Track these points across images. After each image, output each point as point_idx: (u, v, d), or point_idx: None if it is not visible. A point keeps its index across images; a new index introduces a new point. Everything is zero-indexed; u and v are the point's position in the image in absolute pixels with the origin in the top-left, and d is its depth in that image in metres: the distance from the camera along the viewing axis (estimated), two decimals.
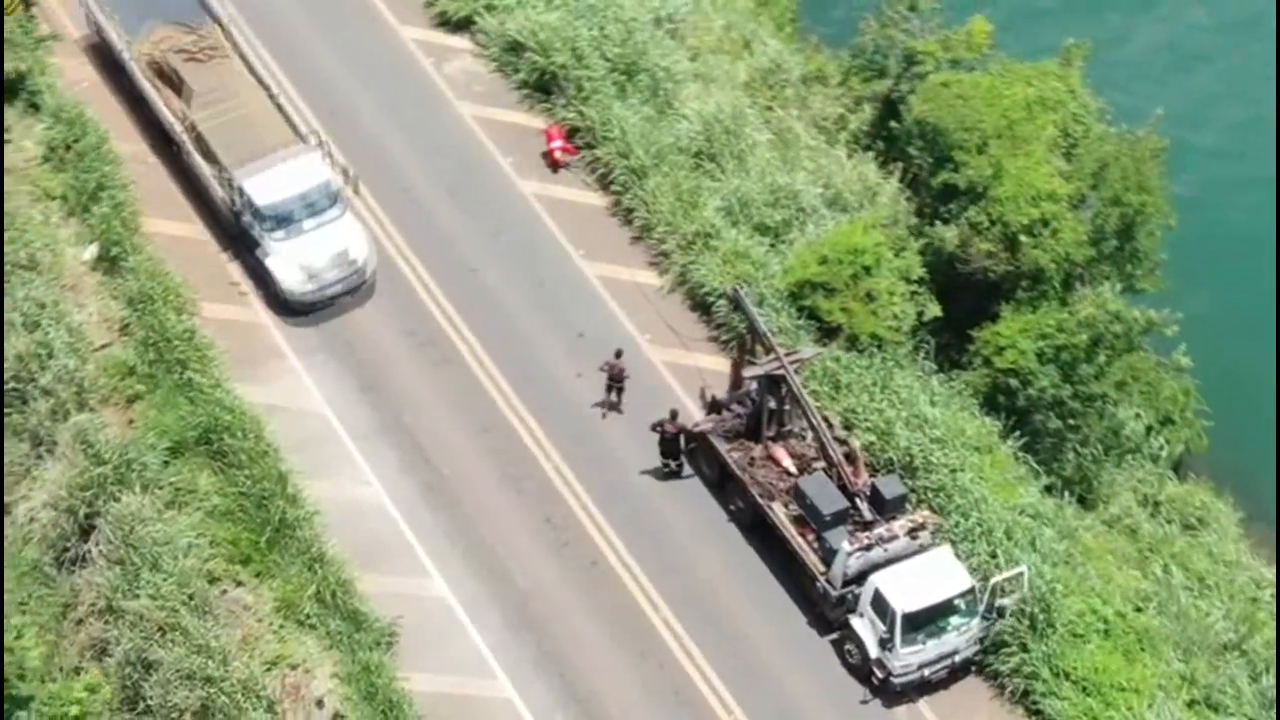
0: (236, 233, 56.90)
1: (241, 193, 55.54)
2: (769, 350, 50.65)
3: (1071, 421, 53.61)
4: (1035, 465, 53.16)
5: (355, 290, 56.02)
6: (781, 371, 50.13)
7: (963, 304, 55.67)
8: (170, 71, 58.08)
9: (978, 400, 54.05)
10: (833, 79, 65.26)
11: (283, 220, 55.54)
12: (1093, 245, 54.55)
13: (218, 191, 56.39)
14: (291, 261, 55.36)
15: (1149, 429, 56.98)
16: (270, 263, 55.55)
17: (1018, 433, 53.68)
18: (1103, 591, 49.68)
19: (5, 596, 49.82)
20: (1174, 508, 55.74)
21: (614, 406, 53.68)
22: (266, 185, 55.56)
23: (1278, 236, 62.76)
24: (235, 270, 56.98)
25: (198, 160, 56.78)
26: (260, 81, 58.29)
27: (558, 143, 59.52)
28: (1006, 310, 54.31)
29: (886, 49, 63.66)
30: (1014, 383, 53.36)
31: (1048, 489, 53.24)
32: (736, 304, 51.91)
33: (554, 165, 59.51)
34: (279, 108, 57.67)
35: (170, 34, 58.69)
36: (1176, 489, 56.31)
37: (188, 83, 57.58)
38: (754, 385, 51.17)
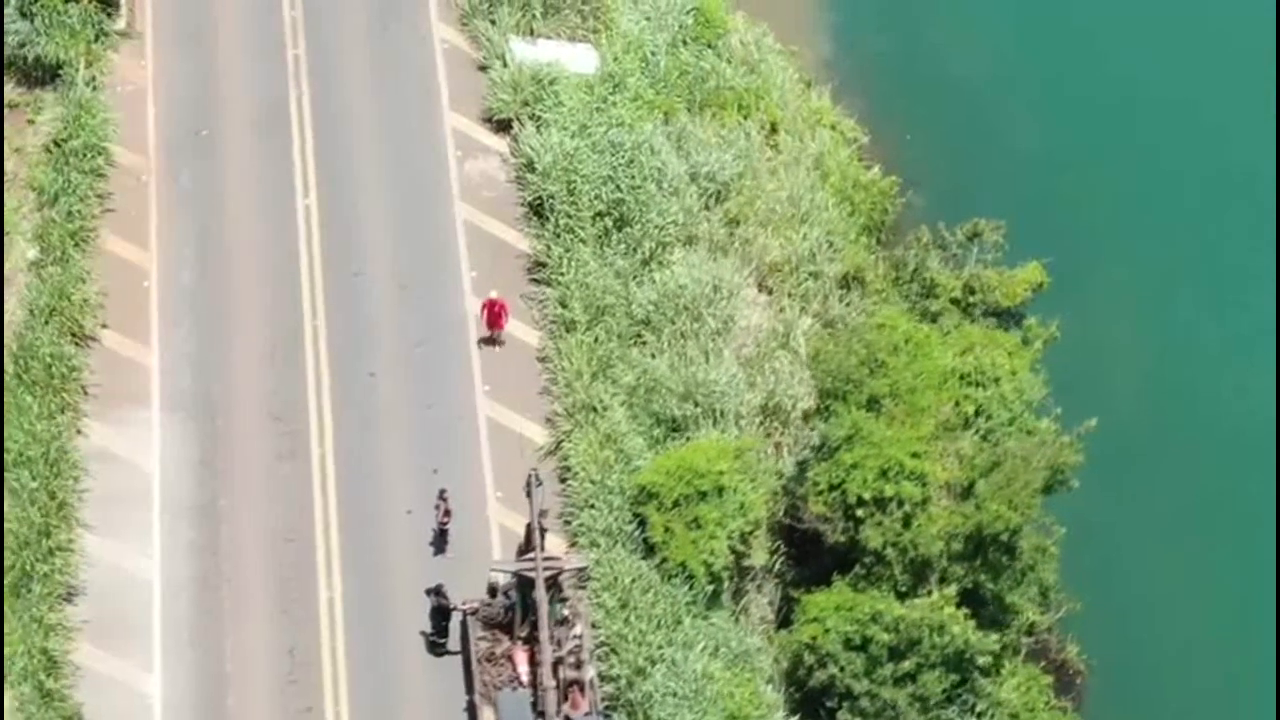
0: None
1: None
2: (531, 548, 47.53)
3: None
4: None
5: None
6: (531, 574, 46.95)
7: (821, 561, 51.30)
8: None
9: (783, 667, 49.75)
10: (872, 285, 60.78)
11: None
12: (951, 543, 49.39)
13: None
14: None
15: None
16: None
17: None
18: None
19: None
20: None
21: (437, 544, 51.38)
22: None
23: None
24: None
25: None
26: None
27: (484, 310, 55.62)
28: (840, 582, 49.79)
29: (922, 269, 59.25)
30: (809, 658, 48.91)
31: None
32: (528, 489, 48.91)
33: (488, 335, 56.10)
34: None
35: None
36: None
37: None
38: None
